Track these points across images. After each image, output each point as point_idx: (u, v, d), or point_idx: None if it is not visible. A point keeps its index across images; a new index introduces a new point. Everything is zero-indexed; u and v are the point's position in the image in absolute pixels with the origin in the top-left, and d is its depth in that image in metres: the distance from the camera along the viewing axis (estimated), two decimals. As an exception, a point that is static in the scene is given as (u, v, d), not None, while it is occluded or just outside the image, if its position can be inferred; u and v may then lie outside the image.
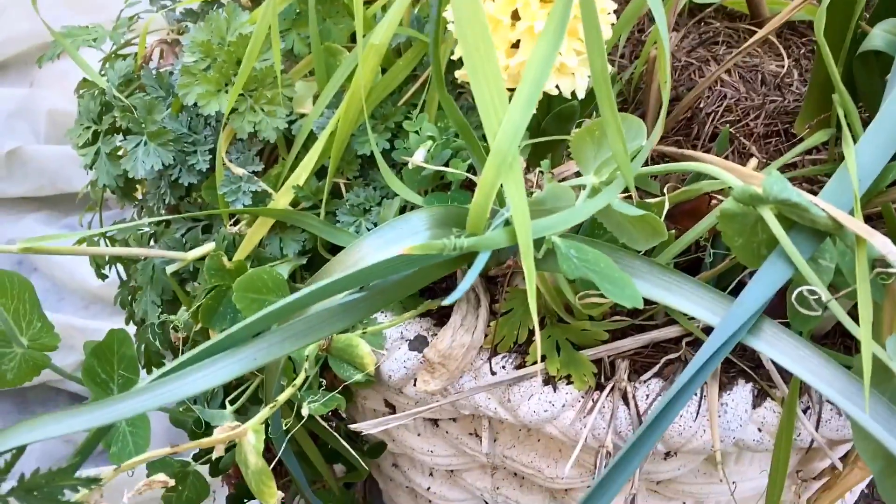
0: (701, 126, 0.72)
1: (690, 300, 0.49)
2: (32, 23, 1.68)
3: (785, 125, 0.71)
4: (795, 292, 0.45)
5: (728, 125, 0.71)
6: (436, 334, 0.67)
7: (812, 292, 0.45)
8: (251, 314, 0.61)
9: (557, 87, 0.59)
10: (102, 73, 0.79)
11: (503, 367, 0.65)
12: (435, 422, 0.75)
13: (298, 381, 0.51)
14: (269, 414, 0.49)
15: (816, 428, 0.62)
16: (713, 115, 0.72)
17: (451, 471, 0.81)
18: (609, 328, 0.64)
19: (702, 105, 0.73)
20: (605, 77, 0.39)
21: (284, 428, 0.58)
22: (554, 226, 0.40)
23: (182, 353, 0.79)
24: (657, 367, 0.63)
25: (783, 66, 0.76)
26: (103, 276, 0.86)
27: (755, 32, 0.79)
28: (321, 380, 0.67)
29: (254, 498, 0.89)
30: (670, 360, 0.63)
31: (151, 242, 0.82)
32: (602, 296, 0.58)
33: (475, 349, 0.64)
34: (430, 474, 0.84)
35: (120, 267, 0.88)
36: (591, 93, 0.64)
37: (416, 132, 0.61)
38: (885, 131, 0.47)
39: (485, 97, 0.36)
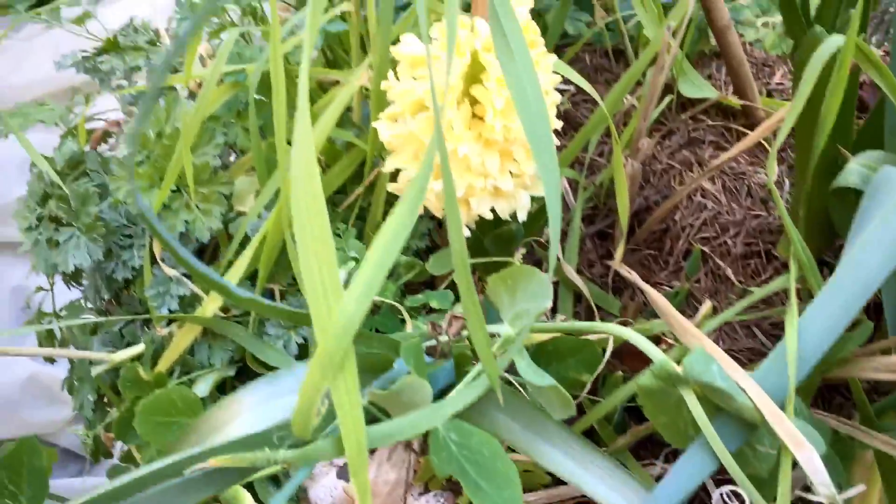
0: (674, 240, 0.65)
1: (605, 483, 0.43)
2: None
3: (767, 245, 0.64)
4: (716, 494, 0.39)
5: (703, 242, 0.64)
6: (366, 462, 0.61)
7: (736, 495, 0.38)
8: (155, 440, 0.57)
9: (493, 210, 0.53)
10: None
11: (433, 506, 0.59)
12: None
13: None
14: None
15: None
16: (688, 228, 0.65)
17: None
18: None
19: (678, 216, 0.67)
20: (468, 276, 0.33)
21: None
22: (393, 434, 0.34)
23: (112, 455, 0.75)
24: (600, 520, 0.56)
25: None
26: (52, 361, 0.83)
27: (747, 134, 0.73)
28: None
29: None
30: (616, 513, 0.56)
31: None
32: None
33: (402, 486, 0.58)
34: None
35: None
36: (539, 211, 0.59)
37: (342, 249, 0.56)
38: (837, 300, 0.40)
39: (315, 284, 0.30)
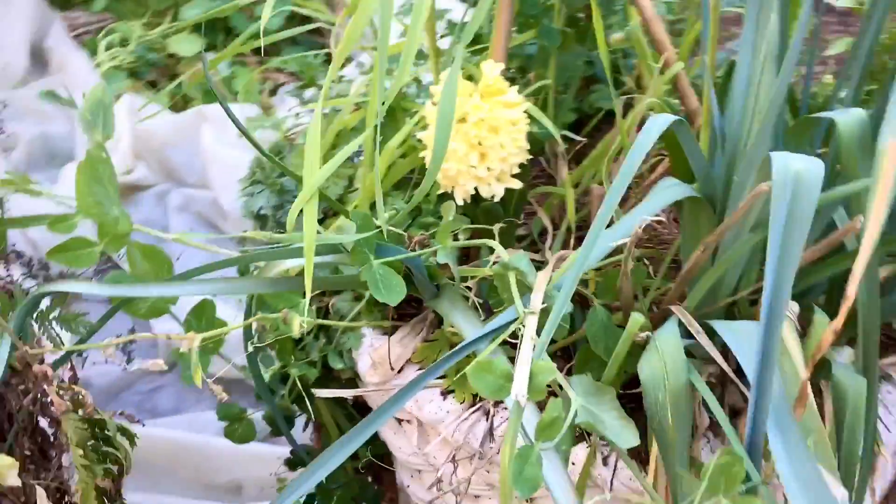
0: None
1: (472, 325, 0.76)
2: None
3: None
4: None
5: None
6: (394, 345, 0.96)
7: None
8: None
9: (476, 189, 0.87)
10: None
11: (421, 376, 0.92)
12: (399, 421, 1.03)
13: (250, 319, 0.85)
14: (218, 335, 0.82)
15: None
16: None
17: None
18: (496, 366, 0.89)
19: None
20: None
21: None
22: (329, 239, 0.70)
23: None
24: (516, 399, 0.87)
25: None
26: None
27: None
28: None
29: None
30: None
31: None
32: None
33: (404, 359, 0.93)
34: (411, 476, 1.11)
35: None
36: (517, 198, 0.92)
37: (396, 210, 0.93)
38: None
39: (308, 170, 0.68)
